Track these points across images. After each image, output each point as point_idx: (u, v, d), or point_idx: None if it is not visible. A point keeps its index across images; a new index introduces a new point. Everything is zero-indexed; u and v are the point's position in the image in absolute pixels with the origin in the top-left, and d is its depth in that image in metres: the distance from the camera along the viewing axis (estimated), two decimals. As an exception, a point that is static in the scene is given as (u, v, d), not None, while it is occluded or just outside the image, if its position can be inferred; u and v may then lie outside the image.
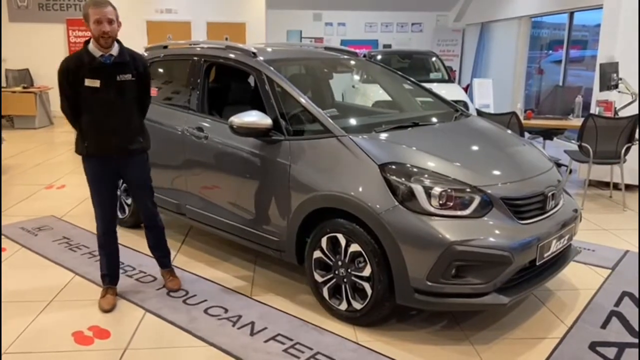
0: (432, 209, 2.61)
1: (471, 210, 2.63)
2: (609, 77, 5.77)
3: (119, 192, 4.40)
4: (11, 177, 6.10)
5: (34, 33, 10.88)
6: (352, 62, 4.25)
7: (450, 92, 7.56)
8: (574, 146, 5.84)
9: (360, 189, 2.75)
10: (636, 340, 2.76)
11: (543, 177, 2.98)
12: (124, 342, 2.73)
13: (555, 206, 2.98)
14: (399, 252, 2.60)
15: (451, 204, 2.63)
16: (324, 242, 2.93)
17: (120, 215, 4.44)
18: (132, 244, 3.99)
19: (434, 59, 9.37)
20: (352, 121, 3.35)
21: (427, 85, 4.23)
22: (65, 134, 9.06)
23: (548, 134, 6.56)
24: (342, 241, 2.84)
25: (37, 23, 10.93)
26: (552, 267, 2.95)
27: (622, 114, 5.61)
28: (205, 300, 3.16)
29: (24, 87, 9.87)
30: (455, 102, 4.22)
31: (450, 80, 8.88)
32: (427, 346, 2.71)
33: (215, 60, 3.77)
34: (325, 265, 2.97)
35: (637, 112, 5.13)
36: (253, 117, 3.11)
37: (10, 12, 10.91)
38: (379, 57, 9.01)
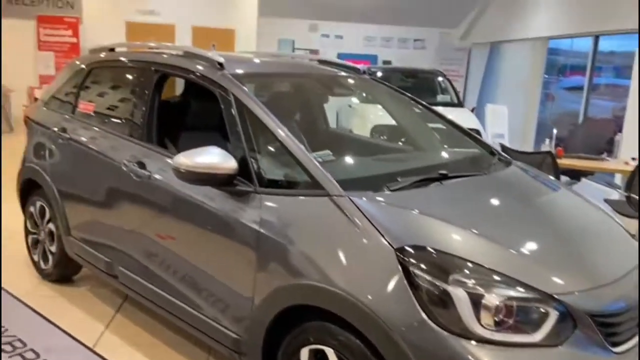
0: (481, 331, 1.61)
1: (544, 335, 1.63)
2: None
3: (42, 235, 3.38)
4: None
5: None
6: (354, 82, 3.25)
7: (461, 118, 6.59)
8: (611, 191, 4.90)
9: (365, 286, 1.74)
10: None
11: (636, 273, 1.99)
12: None
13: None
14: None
15: (511, 321, 1.63)
16: (304, 355, 1.92)
17: (42, 266, 3.41)
18: (46, 310, 2.96)
19: (440, 78, 8.43)
20: (354, 168, 2.33)
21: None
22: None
23: (576, 174, 5.62)
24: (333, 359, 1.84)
25: (5, 19, 9.89)
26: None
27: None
28: None
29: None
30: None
31: (460, 104, 7.92)
32: None
33: (170, 70, 2.76)
34: (305, 388, 1.96)
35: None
36: (210, 157, 2.11)
37: (-26, 5, 9.90)
38: (379, 73, 8.04)
